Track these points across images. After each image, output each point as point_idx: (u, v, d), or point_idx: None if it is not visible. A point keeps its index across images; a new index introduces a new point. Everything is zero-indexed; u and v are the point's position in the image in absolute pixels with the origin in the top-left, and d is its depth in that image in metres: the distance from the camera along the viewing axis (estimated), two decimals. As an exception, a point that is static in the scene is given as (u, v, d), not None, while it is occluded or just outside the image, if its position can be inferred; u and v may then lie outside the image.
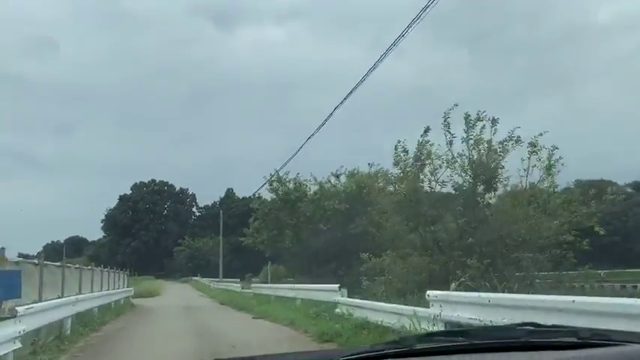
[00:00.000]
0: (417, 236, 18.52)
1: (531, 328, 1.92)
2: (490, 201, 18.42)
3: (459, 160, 17.71)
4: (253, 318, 15.83)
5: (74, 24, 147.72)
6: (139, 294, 38.36)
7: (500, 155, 17.42)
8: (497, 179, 17.66)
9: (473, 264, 15.02)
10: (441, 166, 18.06)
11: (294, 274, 31.61)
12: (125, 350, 11.29)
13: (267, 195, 32.61)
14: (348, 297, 12.52)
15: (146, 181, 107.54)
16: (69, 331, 12.34)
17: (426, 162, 18.20)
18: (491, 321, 6.71)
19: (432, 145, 18.13)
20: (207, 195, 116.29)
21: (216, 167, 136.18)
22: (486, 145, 17.30)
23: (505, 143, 17.26)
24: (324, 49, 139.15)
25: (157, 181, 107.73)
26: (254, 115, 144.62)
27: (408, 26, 15.67)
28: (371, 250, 20.00)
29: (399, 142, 18.79)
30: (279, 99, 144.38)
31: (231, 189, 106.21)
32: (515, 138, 17.17)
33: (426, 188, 18.41)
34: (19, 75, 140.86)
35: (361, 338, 9.47)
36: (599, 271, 24.79)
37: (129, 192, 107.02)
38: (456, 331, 2.60)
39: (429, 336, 2.17)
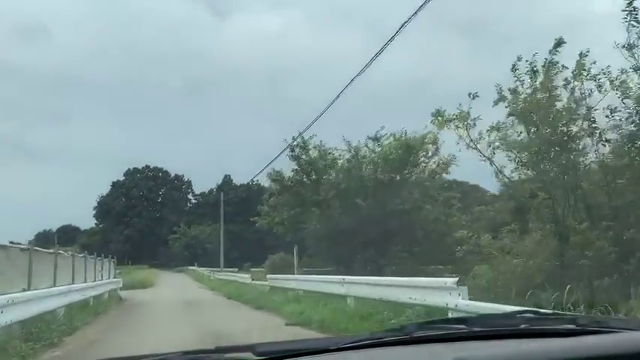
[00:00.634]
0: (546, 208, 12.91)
1: (531, 315, 1.92)
2: None
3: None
4: (287, 325, 10.82)
5: (66, 10, 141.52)
6: (130, 285, 33.63)
7: None
8: None
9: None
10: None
11: (320, 262, 26.58)
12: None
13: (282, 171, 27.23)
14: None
15: (140, 167, 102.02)
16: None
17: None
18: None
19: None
20: (203, 184, 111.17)
21: (212, 156, 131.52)
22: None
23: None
24: (321, 38, 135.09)
25: (152, 167, 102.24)
26: (250, 104, 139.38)
27: (414, 14, 13.70)
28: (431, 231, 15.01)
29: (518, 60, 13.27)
30: (275, 88, 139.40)
31: (229, 175, 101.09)
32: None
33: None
34: (10, 62, 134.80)
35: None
36: None
37: (122, 178, 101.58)
38: (456, 318, 2.39)
39: (430, 324, 2.07)
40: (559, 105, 12.88)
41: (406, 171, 22.58)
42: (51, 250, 16.10)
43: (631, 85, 11.72)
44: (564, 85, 12.96)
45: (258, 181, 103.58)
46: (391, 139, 23.14)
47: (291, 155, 25.06)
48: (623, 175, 11.72)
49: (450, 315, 6.92)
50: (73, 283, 14.30)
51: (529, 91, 13.34)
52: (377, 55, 16.25)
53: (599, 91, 12.52)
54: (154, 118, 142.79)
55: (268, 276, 20.63)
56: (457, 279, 7.27)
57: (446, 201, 23.17)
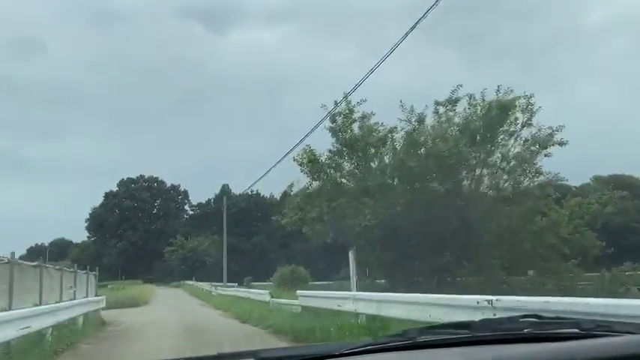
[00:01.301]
0: None
1: (534, 319, 1.92)
2: None
3: None
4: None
5: (62, 25, 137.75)
6: (119, 303, 28.35)
7: None
8: None
9: None
10: None
11: (376, 271, 20.86)
12: None
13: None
14: None
15: (134, 176, 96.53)
16: None
17: None
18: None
19: None
20: (199, 196, 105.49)
21: (208, 169, 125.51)
22: None
23: None
24: (315, 51, 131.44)
25: (146, 176, 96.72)
26: (246, 117, 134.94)
27: (411, 28, 13.82)
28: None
29: None
30: (270, 99, 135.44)
31: (227, 185, 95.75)
32: None
33: None
34: (2, 75, 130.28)
35: None
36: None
37: (115, 189, 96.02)
38: (458, 323, 2.13)
39: (432, 328, 2.04)
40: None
41: (497, 143, 17.29)
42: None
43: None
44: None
45: (257, 190, 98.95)
46: (466, 104, 17.85)
47: (331, 127, 19.14)
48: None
49: None
50: (9, 309, 8.96)
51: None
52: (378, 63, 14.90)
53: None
54: (149, 130, 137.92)
55: (300, 292, 15.24)
56: None
57: (542, 188, 17.94)
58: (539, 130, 17.59)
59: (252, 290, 25.00)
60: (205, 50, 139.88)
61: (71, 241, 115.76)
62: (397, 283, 15.04)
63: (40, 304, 11.63)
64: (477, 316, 6.79)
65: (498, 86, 17.59)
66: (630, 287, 19.03)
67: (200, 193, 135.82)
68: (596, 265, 19.89)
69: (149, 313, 23.95)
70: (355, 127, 19.30)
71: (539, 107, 17.04)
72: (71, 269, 15.59)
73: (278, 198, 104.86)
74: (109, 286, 57.83)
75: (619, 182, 59.85)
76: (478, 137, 17.05)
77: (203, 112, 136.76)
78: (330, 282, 58.86)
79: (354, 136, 19.07)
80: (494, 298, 6.02)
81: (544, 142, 17.81)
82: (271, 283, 39.27)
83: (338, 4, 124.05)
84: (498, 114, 17.00)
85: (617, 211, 29.68)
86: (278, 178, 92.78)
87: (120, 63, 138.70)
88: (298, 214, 22.80)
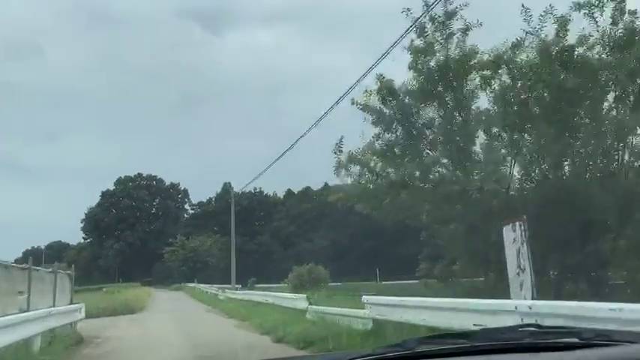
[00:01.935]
0: None
1: (534, 329, 1.90)
2: None
3: None
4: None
5: (59, 28, 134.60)
6: (109, 310, 23.34)
7: None
8: None
9: None
10: None
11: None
12: None
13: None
14: None
15: (132, 175, 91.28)
16: None
17: None
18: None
19: None
20: (198, 196, 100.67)
21: (207, 170, 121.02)
22: None
23: None
24: (314, 52, 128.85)
25: (144, 175, 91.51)
26: (245, 119, 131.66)
27: (406, 31, 12.58)
28: None
29: None
30: (269, 102, 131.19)
31: (229, 183, 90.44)
32: None
33: None
34: (2, 77, 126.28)
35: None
36: None
37: (112, 188, 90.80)
38: (458, 333, 2.14)
39: (431, 338, 1.99)
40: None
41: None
42: None
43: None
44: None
45: (260, 188, 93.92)
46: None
47: (415, 50, 13.34)
48: None
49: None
50: None
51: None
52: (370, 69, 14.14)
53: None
54: (148, 132, 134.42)
55: (372, 298, 10.00)
56: None
57: None
58: None
59: (272, 294, 19.85)
60: (203, 52, 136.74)
61: (68, 244, 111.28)
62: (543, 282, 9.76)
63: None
64: None
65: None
66: None
67: (200, 193, 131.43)
68: None
69: (145, 323, 18.88)
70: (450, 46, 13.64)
71: None
72: (24, 265, 10.53)
73: (281, 197, 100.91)
74: (104, 290, 52.79)
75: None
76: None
77: (202, 113, 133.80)
78: (339, 283, 53.71)
79: (455, 60, 13.30)
80: None
81: None
82: (284, 284, 34.12)
83: (338, 5, 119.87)
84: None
85: None
86: (278, 177, 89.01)
87: (118, 65, 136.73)
88: (366, 179, 16.39)
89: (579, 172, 12.47)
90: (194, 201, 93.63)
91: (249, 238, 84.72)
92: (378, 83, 14.89)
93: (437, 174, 15.00)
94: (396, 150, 15.44)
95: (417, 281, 74.65)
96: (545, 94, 12.28)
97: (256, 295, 21.29)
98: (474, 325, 6.13)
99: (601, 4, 12.44)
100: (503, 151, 13.90)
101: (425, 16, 13.33)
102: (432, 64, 13.46)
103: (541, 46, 12.46)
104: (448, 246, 17.55)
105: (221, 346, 11.09)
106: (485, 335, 1.90)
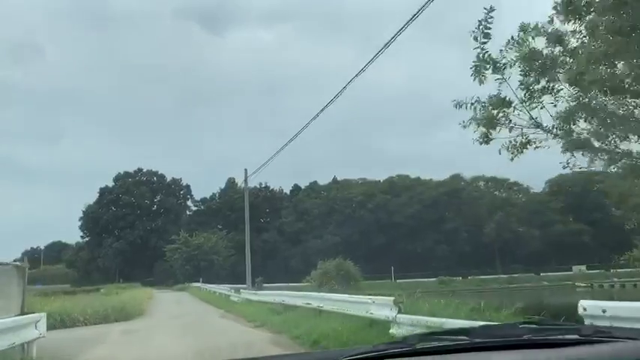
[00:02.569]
0: None
1: (534, 325, 1.91)
2: None
3: None
4: None
5: (59, 28, 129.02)
6: (99, 317, 18.38)
7: None
8: None
9: None
10: None
11: None
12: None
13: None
14: None
15: (131, 171, 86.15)
16: None
17: None
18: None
19: None
20: (201, 193, 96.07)
21: (208, 167, 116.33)
22: None
23: None
24: (317, 50, 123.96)
25: (145, 170, 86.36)
26: (246, 116, 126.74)
27: (402, 28, 12.25)
28: None
29: None
30: (270, 100, 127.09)
31: (233, 178, 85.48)
32: None
33: None
34: (1, 78, 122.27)
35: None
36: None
37: (111, 184, 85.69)
38: (458, 329, 2.14)
39: (431, 335, 2.00)
40: None
41: None
42: None
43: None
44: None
45: (266, 183, 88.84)
46: None
47: None
48: None
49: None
50: None
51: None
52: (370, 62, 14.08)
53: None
54: (148, 131, 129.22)
55: (590, 304, 5.21)
56: None
57: None
58: None
59: (315, 294, 14.65)
60: (204, 50, 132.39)
61: (68, 244, 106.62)
62: None
63: None
64: None
65: None
66: None
67: (202, 191, 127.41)
68: None
69: (143, 336, 13.88)
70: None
71: None
72: None
73: (288, 192, 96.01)
74: (101, 291, 47.85)
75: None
76: None
77: (203, 111, 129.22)
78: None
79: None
80: None
81: None
82: (308, 282, 29.02)
83: (338, 4, 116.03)
84: None
85: None
86: (283, 171, 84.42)
87: (117, 64, 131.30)
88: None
89: None
90: (197, 197, 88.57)
91: (255, 235, 79.51)
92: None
93: None
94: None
95: (434, 279, 69.55)
96: None
97: (287, 297, 16.27)
98: None
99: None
100: None
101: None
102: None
103: None
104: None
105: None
106: (485, 332, 1.90)
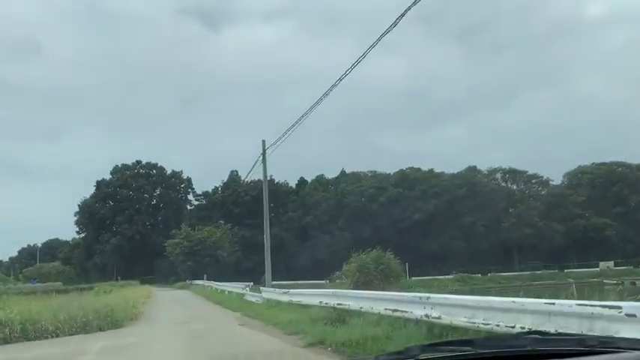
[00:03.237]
0: None
1: (537, 336, 1.84)
2: None
3: None
4: None
5: (58, 25, 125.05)
6: (78, 323, 13.11)
7: None
8: None
9: None
10: None
11: None
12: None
13: None
14: None
15: (130, 163, 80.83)
16: None
17: None
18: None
19: None
20: (202, 187, 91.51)
21: (208, 166, 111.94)
22: None
23: None
24: (314, 48, 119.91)
25: (144, 162, 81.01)
26: (244, 115, 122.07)
27: (395, 21, 12.62)
28: None
29: None
30: (268, 98, 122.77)
31: (236, 171, 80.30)
32: None
33: None
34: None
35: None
36: None
37: (108, 177, 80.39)
38: (461, 340, 2.13)
39: (434, 345, 1.91)
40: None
41: None
42: None
43: None
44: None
45: (272, 176, 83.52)
46: None
47: None
48: None
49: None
50: None
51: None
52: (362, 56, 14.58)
53: None
54: (148, 130, 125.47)
55: None
56: None
57: None
58: None
59: (411, 295, 9.43)
60: (203, 48, 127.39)
61: (67, 241, 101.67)
62: None
63: None
64: None
65: None
66: None
67: (204, 185, 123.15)
68: None
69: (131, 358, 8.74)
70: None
71: None
72: None
73: (293, 186, 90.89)
74: (95, 289, 42.89)
75: None
76: None
77: (203, 109, 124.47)
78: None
79: None
80: None
81: None
82: (339, 280, 23.76)
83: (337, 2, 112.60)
84: None
85: None
86: (288, 165, 79.70)
87: (116, 61, 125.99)
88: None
89: None
90: (198, 191, 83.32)
91: (260, 231, 74.42)
92: None
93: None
94: None
95: (450, 276, 64.61)
96: None
97: (343, 298, 11.09)
98: None
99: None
100: None
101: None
102: None
103: None
104: None
105: None
106: (488, 342, 1.83)
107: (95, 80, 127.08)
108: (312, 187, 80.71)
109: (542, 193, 73.93)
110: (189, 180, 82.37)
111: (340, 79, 17.11)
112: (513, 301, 5.97)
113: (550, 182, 74.42)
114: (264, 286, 31.36)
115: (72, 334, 12.87)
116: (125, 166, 79.80)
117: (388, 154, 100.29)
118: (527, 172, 73.65)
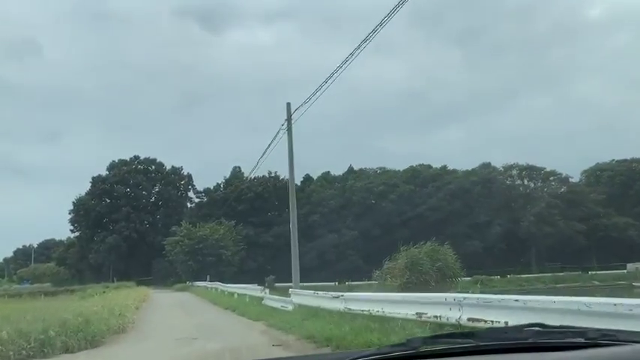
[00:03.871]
0: None
1: (539, 328, 1.81)
2: None
3: None
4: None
5: (58, 26, 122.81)
6: (37, 343, 7.85)
7: None
8: None
9: None
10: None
11: None
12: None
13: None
14: None
15: (127, 158, 76.08)
16: None
17: None
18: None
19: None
20: (203, 185, 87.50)
21: (209, 167, 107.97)
22: None
23: None
24: (314, 49, 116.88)
25: (142, 158, 76.21)
26: (244, 117, 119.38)
27: (387, 15, 13.59)
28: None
29: None
30: (268, 100, 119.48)
31: (239, 167, 75.70)
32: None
33: None
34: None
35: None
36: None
37: (105, 173, 75.64)
38: (462, 332, 2.04)
39: (435, 338, 1.86)
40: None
41: None
42: None
43: None
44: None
45: (276, 172, 79.01)
46: None
47: None
48: None
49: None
50: None
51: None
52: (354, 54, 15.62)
53: None
54: (147, 130, 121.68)
55: None
56: None
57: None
58: None
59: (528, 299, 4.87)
60: (203, 49, 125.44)
61: (62, 241, 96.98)
62: None
63: None
64: None
65: None
66: None
67: (204, 182, 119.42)
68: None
69: None
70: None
71: None
72: None
73: (299, 183, 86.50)
74: (88, 291, 38.28)
75: None
76: None
77: (203, 109, 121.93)
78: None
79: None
80: None
81: None
82: (375, 281, 18.95)
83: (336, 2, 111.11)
84: None
85: None
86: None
87: (116, 63, 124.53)
88: None
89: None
90: (199, 188, 78.63)
91: (265, 229, 69.88)
92: None
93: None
94: None
95: (468, 278, 59.82)
96: None
97: (494, 309, 6.53)
98: None
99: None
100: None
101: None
102: None
103: None
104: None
105: None
106: (490, 335, 1.82)
107: (94, 81, 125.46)
108: (319, 184, 76.19)
109: (561, 190, 69.31)
110: (189, 176, 77.79)
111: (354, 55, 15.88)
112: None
113: (570, 179, 69.90)
114: (270, 288, 26.83)
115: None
116: (122, 162, 75.13)
117: (394, 152, 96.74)
118: (545, 168, 69.18)
